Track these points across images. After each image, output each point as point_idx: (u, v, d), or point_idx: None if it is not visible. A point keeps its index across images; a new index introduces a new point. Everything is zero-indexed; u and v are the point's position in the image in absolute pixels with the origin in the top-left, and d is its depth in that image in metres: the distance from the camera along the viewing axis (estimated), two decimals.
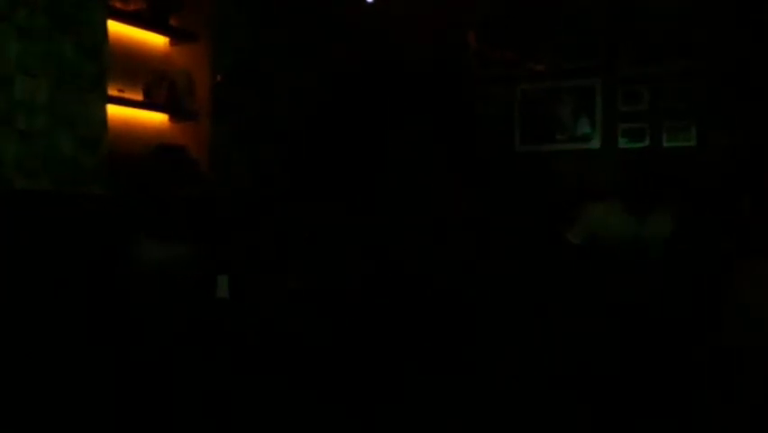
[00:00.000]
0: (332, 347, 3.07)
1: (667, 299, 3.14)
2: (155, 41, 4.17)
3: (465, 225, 4.66)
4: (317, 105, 4.93)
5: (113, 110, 3.60)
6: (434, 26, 5.25)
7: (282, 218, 3.91)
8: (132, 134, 3.89)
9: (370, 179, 4.94)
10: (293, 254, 3.63)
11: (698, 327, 3.06)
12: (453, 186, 4.94)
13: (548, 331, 3.19)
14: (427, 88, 5.25)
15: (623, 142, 4.57)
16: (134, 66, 3.98)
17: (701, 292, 3.19)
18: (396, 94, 5.29)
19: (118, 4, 3.77)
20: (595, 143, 4.68)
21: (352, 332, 3.24)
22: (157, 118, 4.13)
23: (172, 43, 4.26)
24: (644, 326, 3.07)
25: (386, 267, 4.00)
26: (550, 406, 2.79)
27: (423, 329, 3.40)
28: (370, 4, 5.52)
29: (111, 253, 3.03)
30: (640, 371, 2.95)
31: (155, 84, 4.04)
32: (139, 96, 3.98)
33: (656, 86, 4.50)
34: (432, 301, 3.69)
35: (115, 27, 3.73)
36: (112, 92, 3.63)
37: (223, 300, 2.85)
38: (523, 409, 2.79)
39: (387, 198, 4.84)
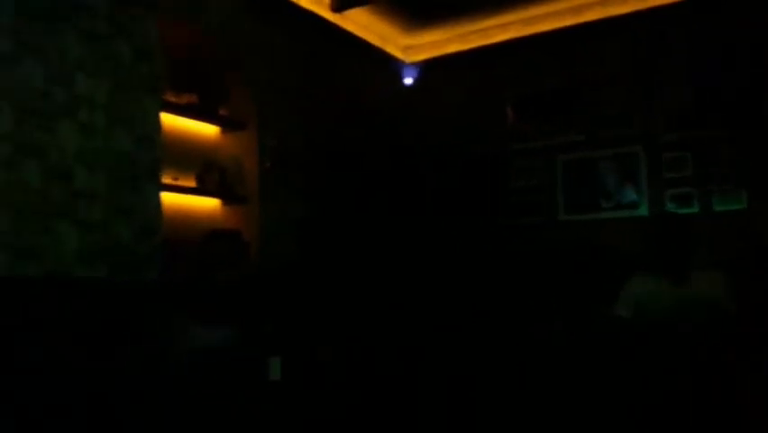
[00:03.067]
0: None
1: (719, 372, 3.01)
2: (207, 130, 4.36)
3: (510, 296, 4.62)
4: (361, 186, 5.04)
5: (168, 197, 3.74)
6: (473, 103, 5.39)
7: (331, 298, 3.94)
8: (186, 220, 4.02)
9: (412, 256, 4.97)
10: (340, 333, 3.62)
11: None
12: (494, 258, 4.94)
13: (599, 406, 3.08)
14: (463, 165, 5.35)
15: (671, 208, 4.51)
16: (188, 155, 4.16)
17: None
18: (434, 170, 5.40)
19: (172, 98, 3.98)
20: (642, 210, 4.63)
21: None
22: (209, 204, 4.27)
23: (223, 132, 4.45)
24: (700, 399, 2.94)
25: (430, 344, 3.96)
26: None
27: (464, 404, 3.33)
28: (409, 86, 5.72)
29: (165, 337, 3.08)
30: None
31: (207, 171, 4.20)
32: (192, 183, 4.14)
33: (700, 150, 4.47)
34: (476, 375, 3.63)
35: (169, 119, 3.93)
36: (167, 180, 3.79)
37: (275, 383, 2.85)
38: None
39: (429, 273, 4.85)
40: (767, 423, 2.79)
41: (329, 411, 2.91)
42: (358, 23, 5.25)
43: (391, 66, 5.71)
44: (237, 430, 2.76)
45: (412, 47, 5.78)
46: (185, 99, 4.09)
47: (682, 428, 2.90)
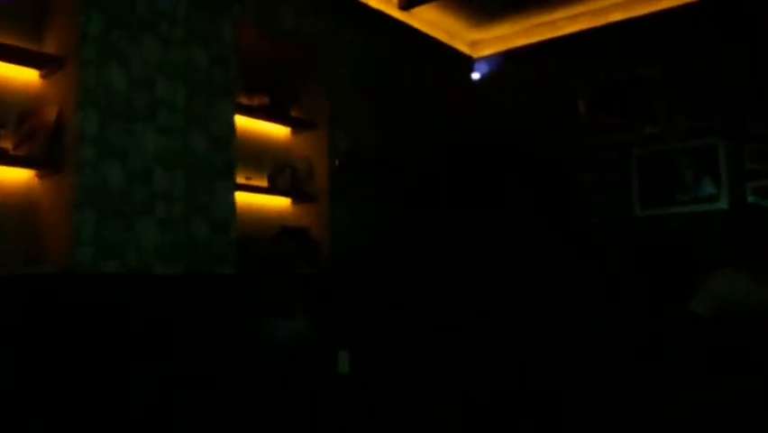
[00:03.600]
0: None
1: None
2: (278, 131, 4.48)
3: (582, 295, 4.52)
4: (430, 183, 5.05)
5: (240, 196, 3.87)
6: (543, 97, 5.31)
7: (400, 295, 3.98)
8: (258, 218, 4.15)
9: (481, 253, 4.94)
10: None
11: None
12: (568, 256, 4.84)
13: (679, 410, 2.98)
14: (537, 162, 5.27)
15: (754, 201, 4.31)
16: (260, 155, 4.29)
17: None
18: (505, 169, 5.34)
19: (244, 101, 4.11)
20: (722, 204, 4.45)
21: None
22: (281, 202, 4.38)
23: (293, 132, 4.55)
24: None
25: (498, 342, 3.93)
26: None
27: (538, 408, 3.28)
28: (477, 81, 5.69)
29: (239, 330, 3.19)
30: None
31: (278, 171, 4.31)
32: (264, 183, 4.26)
33: None
34: (545, 376, 3.57)
35: (242, 121, 4.05)
36: (240, 180, 3.91)
37: (343, 376, 2.91)
38: None
39: (499, 270, 4.80)
40: None
41: (396, 406, 2.94)
42: (425, 20, 5.27)
43: (459, 62, 5.69)
44: (303, 421, 2.83)
45: (479, 42, 5.75)
46: (257, 101, 4.21)
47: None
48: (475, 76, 5.73)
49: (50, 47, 3.19)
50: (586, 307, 4.45)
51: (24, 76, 3.17)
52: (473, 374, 3.56)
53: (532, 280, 4.70)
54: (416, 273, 4.48)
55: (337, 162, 4.42)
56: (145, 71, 3.35)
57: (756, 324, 3.17)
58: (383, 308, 3.63)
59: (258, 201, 4.20)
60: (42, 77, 3.22)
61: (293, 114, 4.49)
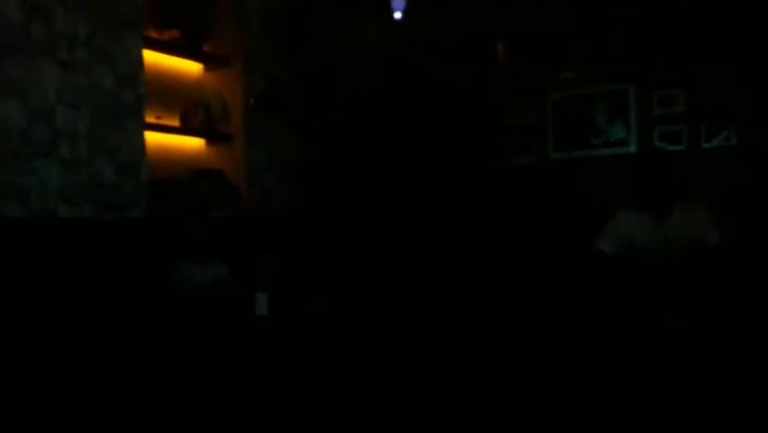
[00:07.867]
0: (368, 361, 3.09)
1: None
2: (190, 68, 4.28)
3: (498, 234, 4.66)
4: (349, 126, 5.00)
5: (151, 136, 3.70)
6: (460, 41, 5.29)
7: (317, 238, 3.97)
8: (170, 159, 3.99)
9: (402, 197, 4.97)
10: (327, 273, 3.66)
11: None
12: (486, 197, 4.95)
13: (579, 343, 3.15)
14: (455, 105, 5.28)
15: (660, 145, 4.49)
16: (171, 93, 4.10)
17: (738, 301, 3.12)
18: (424, 112, 5.33)
19: (153, 34, 3.89)
20: (632, 147, 4.62)
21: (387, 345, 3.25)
22: (194, 143, 4.23)
23: (206, 69, 4.36)
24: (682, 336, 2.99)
25: (419, 277, 4.01)
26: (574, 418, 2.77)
27: (453, 338, 3.40)
28: (398, 21, 5.59)
29: (153, 275, 3.10)
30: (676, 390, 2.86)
31: (191, 109, 4.14)
32: (176, 122, 4.09)
33: (692, 88, 4.43)
34: (463, 311, 3.69)
35: (152, 56, 3.84)
36: (150, 119, 3.74)
37: (262, 317, 2.90)
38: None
39: (422, 213, 4.86)
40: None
41: (314, 346, 2.97)
42: None
43: (380, 2, 5.57)
44: (225, 362, 2.81)
45: None
46: (167, 35, 4.00)
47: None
48: (397, 16, 5.63)
49: None
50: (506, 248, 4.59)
51: None
52: (387, 316, 3.64)
53: (447, 218, 4.79)
54: (339, 217, 4.48)
55: (252, 102, 4.29)
56: (41, 2, 3.10)
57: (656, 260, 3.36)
58: (302, 251, 3.62)
59: (170, 141, 4.04)
60: None
61: (206, 49, 4.30)
